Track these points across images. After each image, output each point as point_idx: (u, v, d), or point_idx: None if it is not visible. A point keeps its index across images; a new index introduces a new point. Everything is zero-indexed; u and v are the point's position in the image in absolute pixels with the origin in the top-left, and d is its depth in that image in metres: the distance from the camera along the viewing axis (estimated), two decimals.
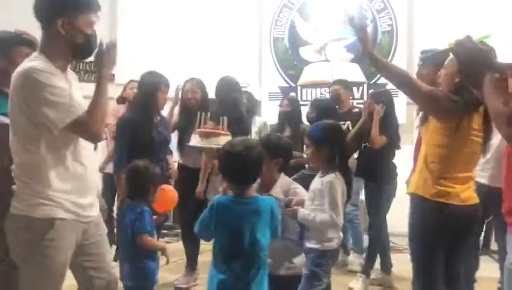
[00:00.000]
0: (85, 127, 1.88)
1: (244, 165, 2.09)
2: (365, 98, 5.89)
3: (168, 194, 2.99)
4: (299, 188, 2.70)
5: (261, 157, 2.16)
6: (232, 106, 3.79)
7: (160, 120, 3.70)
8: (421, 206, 2.42)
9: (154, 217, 2.68)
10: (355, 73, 6.03)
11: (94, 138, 1.98)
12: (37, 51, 1.93)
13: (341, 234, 2.54)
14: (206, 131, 3.35)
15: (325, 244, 2.46)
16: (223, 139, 3.06)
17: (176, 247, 4.46)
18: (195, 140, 3.40)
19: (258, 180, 2.60)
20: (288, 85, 6.47)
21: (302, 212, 2.46)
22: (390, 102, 4.09)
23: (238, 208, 2.08)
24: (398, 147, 4.09)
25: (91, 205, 2.05)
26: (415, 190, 2.45)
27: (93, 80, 2.15)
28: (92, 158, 2.10)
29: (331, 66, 6.23)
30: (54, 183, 1.88)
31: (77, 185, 1.96)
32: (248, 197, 2.13)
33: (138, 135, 3.45)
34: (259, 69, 6.56)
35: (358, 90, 6.06)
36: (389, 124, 4.00)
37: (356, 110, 4.67)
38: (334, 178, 2.43)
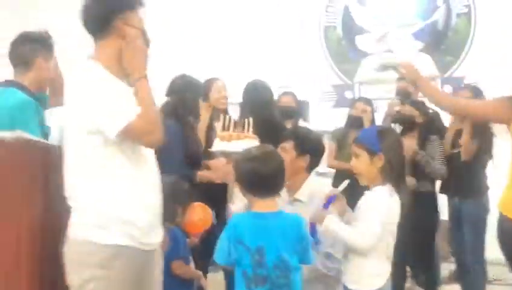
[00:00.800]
0: (140, 131, 1.85)
1: (263, 174, 2.03)
2: None
3: (201, 213, 2.87)
4: None
5: (283, 165, 2.12)
6: (262, 109, 3.63)
7: None
8: (506, 227, 2.44)
9: (187, 239, 2.70)
10: (425, 65, 5.56)
11: (150, 142, 1.93)
12: (90, 59, 1.95)
13: (388, 265, 2.24)
14: (228, 134, 3.21)
15: (366, 282, 2.18)
16: (247, 143, 2.91)
17: (213, 278, 3.94)
18: (215, 145, 3.26)
19: None
20: (342, 82, 6.07)
21: (336, 224, 2.14)
22: None
23: (258, 224, 2.02)
24: (491, 156, 3.79)
25: (154, 228, 1.95)
26: (502, 209, 2.48)
27: None
28: (155, 170, 2.01)
29: (396, 58, 5.82)
30: (111, 204, 1.84)
31: (139, 205, 1.89)
32: (270, 211, 2.05)
33: (194, 146, 3.41)
34: (306, 65, 6.11)
35: None
36: (478, 128, 3.69)
37: (430, 110, 4.26)
38: (380, 189, 2.19)
